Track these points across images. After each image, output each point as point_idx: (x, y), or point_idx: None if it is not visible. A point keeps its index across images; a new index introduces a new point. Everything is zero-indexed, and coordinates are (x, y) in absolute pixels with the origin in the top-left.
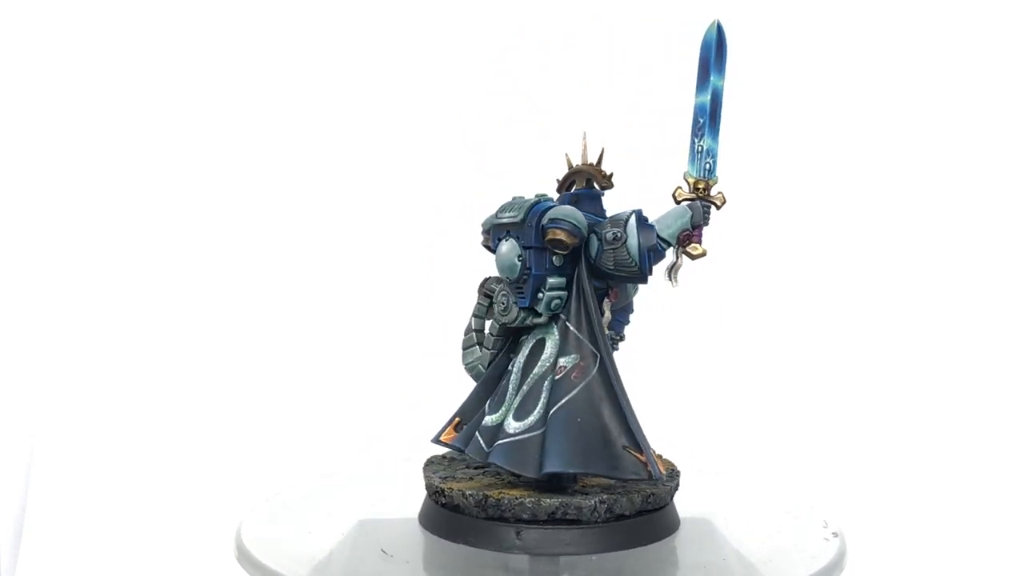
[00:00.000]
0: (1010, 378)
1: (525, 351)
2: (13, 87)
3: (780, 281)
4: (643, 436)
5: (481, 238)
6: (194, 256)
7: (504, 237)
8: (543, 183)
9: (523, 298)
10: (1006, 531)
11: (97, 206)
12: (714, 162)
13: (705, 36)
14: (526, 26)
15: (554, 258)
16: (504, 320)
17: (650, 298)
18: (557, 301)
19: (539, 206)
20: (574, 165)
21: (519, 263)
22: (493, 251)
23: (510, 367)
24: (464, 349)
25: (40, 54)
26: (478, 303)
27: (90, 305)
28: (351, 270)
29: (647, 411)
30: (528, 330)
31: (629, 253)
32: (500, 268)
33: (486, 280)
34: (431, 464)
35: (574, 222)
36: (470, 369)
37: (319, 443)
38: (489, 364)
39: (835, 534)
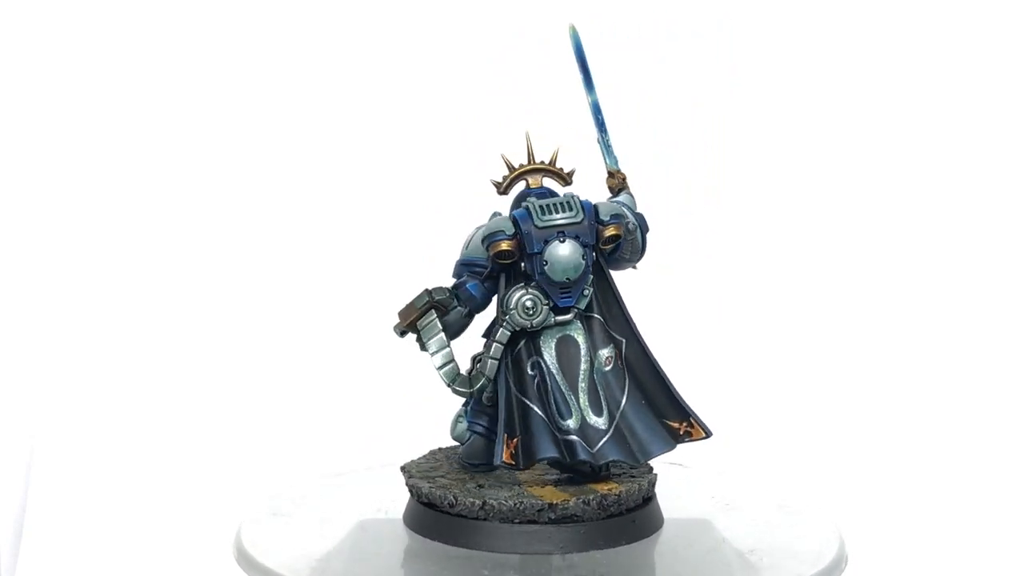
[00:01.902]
0: (1010, 378)
1: (551, 351)
2: (13, 87)
3: (780, 276)
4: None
5: (489, 247)
6: (193, 256)
7: (555, 239)
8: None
9: (570, 297)
10: (1007, 531)
11: (96, 206)
12: (603, 150)
13: (574, 41)
14: (526, 26)
15: (594, 254)
16: (533, 323)
17: (649, 296)
18: (590, 296)
19: (588, 203)
20: (516, 165)
21: (584, 262)
22: (516, 259)
23: (531, 371)
24: (443, 367)
25: (39, 54)
26: (437, 317)
27: (90, 305)
28: (350, 270)
29: None
30: (525, 332)
31: (641, 240)
32: (563, 270)
33: (432, 292)
34: (440, 484)
35: (624, 216)
36: (462, 384)
37: (319, 444)
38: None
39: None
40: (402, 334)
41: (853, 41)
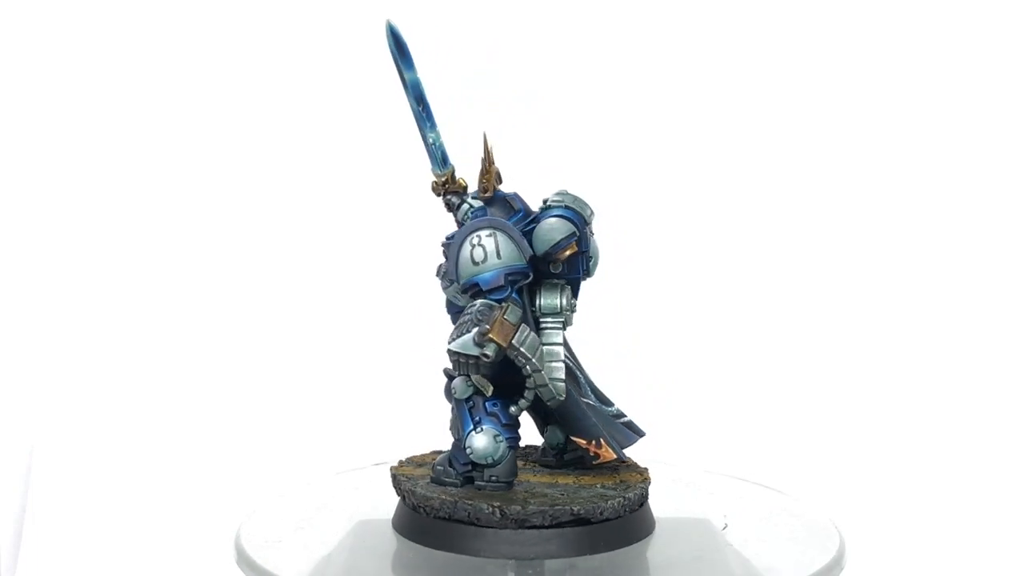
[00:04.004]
0: (1010, 377)
1: (565, 348)
2: (13, 87)
3: (780, 278)
4: None
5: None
6: (192, 259)
7: (592, 235)
8: (546, 185)
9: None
10: (1007, 531)
11: (94, 213)
12: (444, 151)
13: (389, 46)
14: (526, 26)
15: None
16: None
17: (652, 295)
18: None
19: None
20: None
21: None
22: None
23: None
24: (550, 378)
25: (39, 54)
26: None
27: (89, 305)
28: (350, 270)
29: (649, 405)
30: None
31: None
32: (598, 263)
33: (515, 304)
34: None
35: None
36: (560, 392)
37: (319, 444)
38: None
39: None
40: (497, 354)
41: (847, 39)
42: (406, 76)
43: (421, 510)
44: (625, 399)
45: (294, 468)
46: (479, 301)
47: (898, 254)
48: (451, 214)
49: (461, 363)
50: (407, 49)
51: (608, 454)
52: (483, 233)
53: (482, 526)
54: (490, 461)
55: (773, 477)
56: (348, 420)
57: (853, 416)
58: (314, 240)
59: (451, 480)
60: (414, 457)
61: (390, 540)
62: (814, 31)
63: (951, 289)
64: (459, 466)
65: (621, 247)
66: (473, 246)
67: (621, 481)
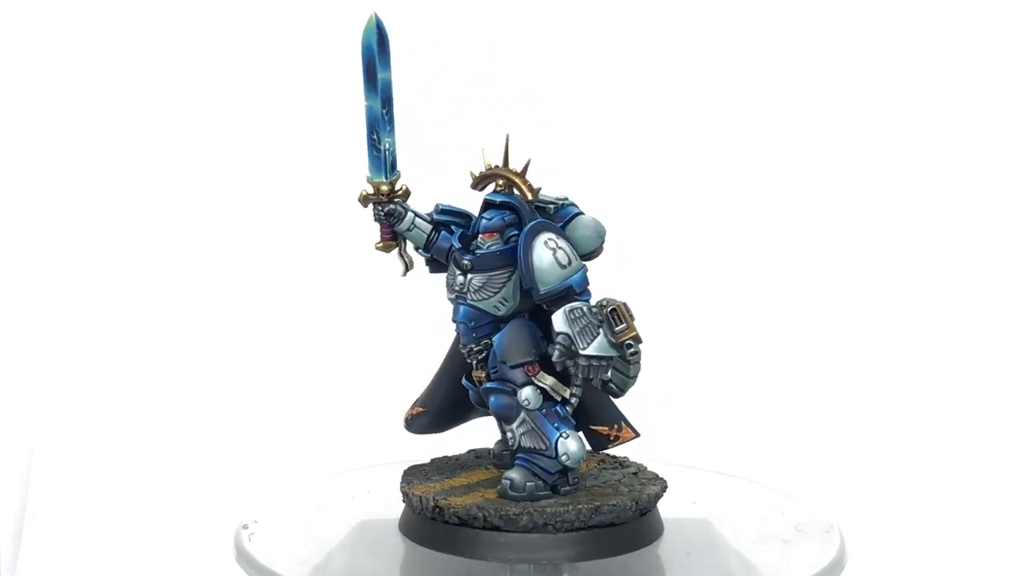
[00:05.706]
0: (1010, 377)
1: None
2: (13, 87)
3: (781, 277)
4: None
5: None
6: (192, 258)
7: None
8: (547, 186)
9: None
10: (1007, 531)
11: (91, 215)
12: (395, 157)
13: (364, 39)
14: (526, 26)
15: None
16: None
17: (651, 295)
18: None
19: None
20: (492, 165)
21: None
22: None
23: None
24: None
25: (39, 54)
26: None
27: (89, 305)
28: (351, 270)
29: (648, 405)
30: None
31: None
32: None
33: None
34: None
35: None
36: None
37: (320, 444)
38: None
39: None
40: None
41: (847, 39)
42: (379, 75)
43: (549, 527)
44: (625, 399)
45: (295, 467)
46: (578, 303)
47: (897, 253)
48: (380, 223)
49: (594, 367)
50: (388, 46)
51: (628, 434)
52: (552, 235)
53: (619, 524)
54: (579, 463)
55: (773, 476)
56: (349, 420)
57: (853, 415)
58: (314, 240)
59: (544, 493)
60: (416, 488)
61: (394, 540)
62: (814, 31)
63: (951, 288)
64: (549, 477)
65: (621, 247)
66: (553, 250)
67: (606, 459)
